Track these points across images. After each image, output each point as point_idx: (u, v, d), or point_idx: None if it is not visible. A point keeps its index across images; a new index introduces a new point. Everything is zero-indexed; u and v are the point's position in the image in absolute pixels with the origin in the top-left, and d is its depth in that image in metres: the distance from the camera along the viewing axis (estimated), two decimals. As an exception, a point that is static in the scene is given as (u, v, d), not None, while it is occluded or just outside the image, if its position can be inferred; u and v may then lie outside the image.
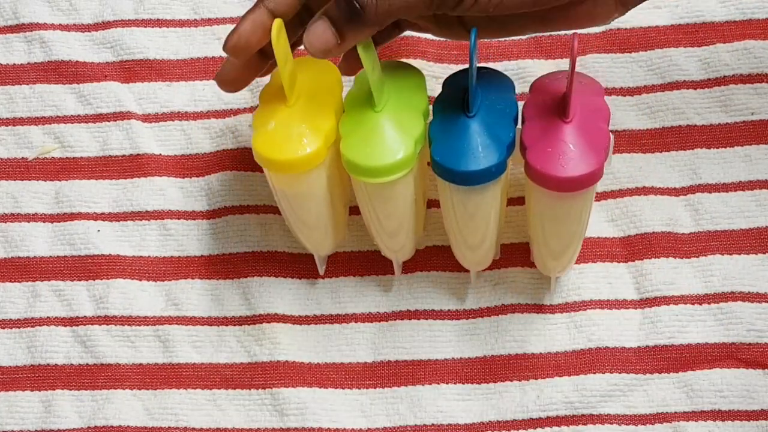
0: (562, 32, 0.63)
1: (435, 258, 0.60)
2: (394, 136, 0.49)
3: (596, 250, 0.59)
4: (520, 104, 0.51)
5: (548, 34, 0.63)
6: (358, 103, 0.51)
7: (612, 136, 0.49)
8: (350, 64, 0.55)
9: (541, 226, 0.53)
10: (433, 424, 0.57)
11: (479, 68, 0.51)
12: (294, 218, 0.56)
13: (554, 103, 0.49)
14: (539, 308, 0.58)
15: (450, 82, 0.52)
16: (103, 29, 0.66)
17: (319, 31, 0.47)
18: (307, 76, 0.52)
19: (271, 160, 0.51)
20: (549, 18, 0.50)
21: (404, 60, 0.62)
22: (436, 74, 0.62)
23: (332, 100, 0.52)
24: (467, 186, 0.50)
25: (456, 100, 0.50)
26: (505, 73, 0.62)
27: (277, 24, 0.47)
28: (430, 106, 0.52)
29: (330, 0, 0.47)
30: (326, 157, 0.51)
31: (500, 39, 0.62)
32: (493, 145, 0.49)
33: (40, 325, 0.61)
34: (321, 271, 0.60)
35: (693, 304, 0.58)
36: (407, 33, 0.63)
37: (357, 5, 0.46)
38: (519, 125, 0.51)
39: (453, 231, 0.55)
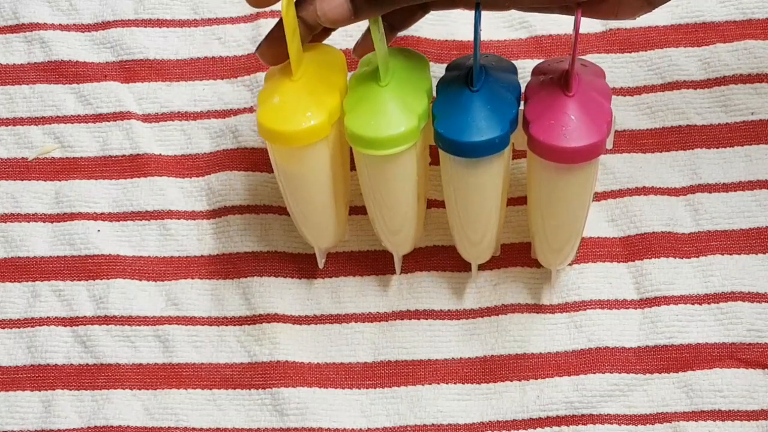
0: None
1: (435, 258, 0.60)
2: (397, 110, 0.50)
3: (596, 250, 0.59)
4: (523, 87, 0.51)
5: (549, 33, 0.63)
6: (362, 81, 0.51)
7: (614, 114, 0.49)
8: (366, 49, 0.54)
9: (541, 213, 0.53)
10: (433, 424, 0.57)
11: (483, 54, 0.51)
12: (295, 204, 0.55)
13: (556, 80, 0.50)
14: (539, 308, 0.58)
15: (453, 65, 0.52)
16: (103, 29, 0.66)
17: (336, 1, 0.47)
18: (313, 57, 0.52)
19: (275, 132, 0.50)
20: (571, 8, 0.49)
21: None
22: (435, 74, 0.62)
23: (337, 79, 0.52)
24: (470, 158, 0.50)
25: (460, 78, 0.50)
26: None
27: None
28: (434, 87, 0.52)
29: None
30: (330, 133, 0.51)
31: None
32: (496, 117, 0.49)
33: (40, 325, 0.61)
34: (321, 265, 0.60)
35: (693, 304, 0.58)
36: (407, 33, 0.63)
37: None
38: (522, 107, 0.51)
39: (454, 214, 0.54)
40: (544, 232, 0.54)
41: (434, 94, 0.52)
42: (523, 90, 0.51)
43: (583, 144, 0.48)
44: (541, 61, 0.53)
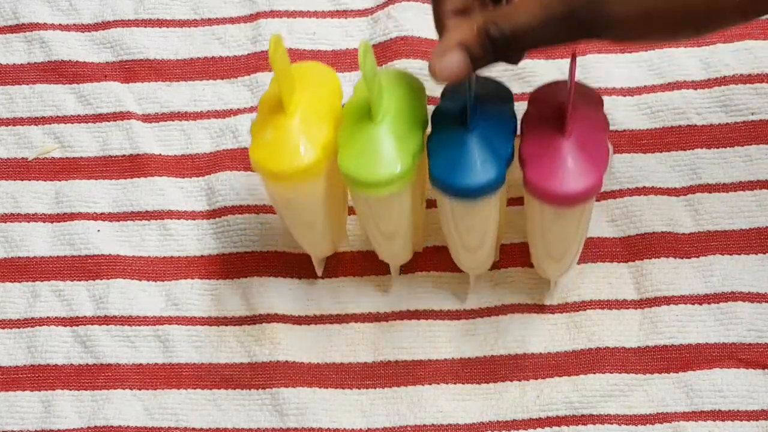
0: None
1: (435, 258, 0.60)
2: (391, 150, 0.49)
3: (596, 250, 0.59)
4: (520, 107, 0.51)
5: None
6: (356, 113, 0.50)
7: (611, 147, 0.49)
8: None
9: (541, 235, 0.53)
10: (433, 424, 0.57)
11: (477, 77, 0.50)
12: (291, 222, 0.56)
13: (553, 116, 0.49)
14: (539, 308, 0.58)
15: (448, 94, 0.52)
16: (103, 29, 0.66)
17: (455, 62, 0.45)
18: (307, 83, 0.51)
19: (268, 171, 0.50)
20: None
21: (404, 60, 0.63)
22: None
23: (331, 110, 0.51)
24: (467, 200, 0.50)
25: (454, 113, 0.50)
26: (505, 73, 0.62)
27: (275, 39, 0.47)
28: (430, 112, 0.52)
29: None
30: (324, 167, 0.51)
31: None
32: (491, 159, 0.48)
33: (40, 325, 0.61)
34: (319, 273, 0.60)
35: (693, 304, 0.58)
36: (407, 33, 0.63)
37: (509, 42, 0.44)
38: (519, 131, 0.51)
39: (452, 238, 0.55)
40: (544, 250, 0.55)
41: (429, 124, 0.51)
42: (519, 120, 0.50)
43: (579, 189, 0.48)
44: (541, 84, 0.51)
